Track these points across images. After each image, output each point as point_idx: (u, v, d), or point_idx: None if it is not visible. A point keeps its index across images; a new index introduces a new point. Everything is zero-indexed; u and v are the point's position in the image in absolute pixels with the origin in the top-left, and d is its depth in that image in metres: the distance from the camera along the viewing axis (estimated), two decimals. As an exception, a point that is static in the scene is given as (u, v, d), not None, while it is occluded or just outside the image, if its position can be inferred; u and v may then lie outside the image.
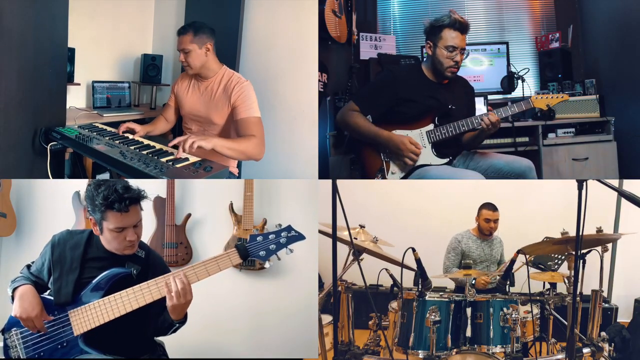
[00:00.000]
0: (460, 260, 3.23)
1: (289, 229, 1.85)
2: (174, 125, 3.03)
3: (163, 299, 1.78)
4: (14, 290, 1.81)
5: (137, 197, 1.78)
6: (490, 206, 3.20)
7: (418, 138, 2.68)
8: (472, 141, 2.79)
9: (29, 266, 1.91)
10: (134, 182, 1.85)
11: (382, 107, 2.72)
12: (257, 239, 1.82)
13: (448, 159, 2.68)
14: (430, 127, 2.68)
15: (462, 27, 2.63)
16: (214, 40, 2.66)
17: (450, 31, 2.62)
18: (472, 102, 2.92)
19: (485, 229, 3.20)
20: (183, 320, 1.84)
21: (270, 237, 1.82)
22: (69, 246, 1.84)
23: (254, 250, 1.81)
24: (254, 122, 2.56)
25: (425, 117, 2.69)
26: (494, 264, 3.23)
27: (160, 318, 1.83)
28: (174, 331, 1.88)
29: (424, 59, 2.77)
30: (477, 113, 2.89)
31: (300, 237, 1.85)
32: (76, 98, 3.39)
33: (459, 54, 2.64)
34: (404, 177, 2.70)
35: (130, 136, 2.55)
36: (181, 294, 1.72)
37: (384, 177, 2.71)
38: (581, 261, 2.47)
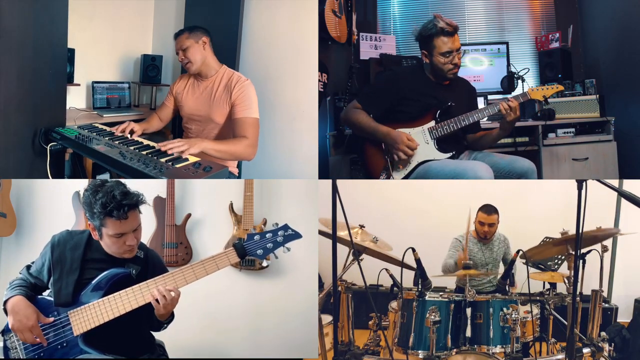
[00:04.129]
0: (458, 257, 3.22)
1: (285, 227, 1.86)
2: (174, 123, 3.03)
3: None
4: (5, 303, 1.79)
5: (135, 203, 1.77)
6: (485, 209, 3.12)
7: (420, 135, 2.70)
8: (480, 140, 2.82)
9: (28, 267, 1.90)
10: (134, 183, 1.86)
11: (384, 105, 2.76)
12: (255, 237, 1.84)
13: (451, 154, 2.71)
14: (432, 124, 2.70)
15: (451, 31, 2.64)
16: (210, 37, 2.70)
17: (442, 38, 2.63)
18: (474, 102, 2.94)
19: (480, 232, 3.15)
20: (170, 319, 1.87)
21: (267, 236, 1.84)
22: (69, 247, 1.84)
23: (251, 249, 1.82)
24: (250, 122, 2.57)
25: (426, 115, 2.72)
26: (496, 265, 3.19)
27: (151, 317, 1.83)
28: (164, 328, 1.90)
29: (424, 65, 2.79)
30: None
31: (296, 235, 1.86)
32: (76, 98, 3.39)
33: (456, 56, 2.66)
34: (409, 173, 2.72)
35: (129, 136, 2.55)
36: (169, 303, 1.73)
37: (389, 175, 2.73)
38: (581, 261, 2.47)
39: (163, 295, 1.72)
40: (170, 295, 1.73)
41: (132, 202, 1.75)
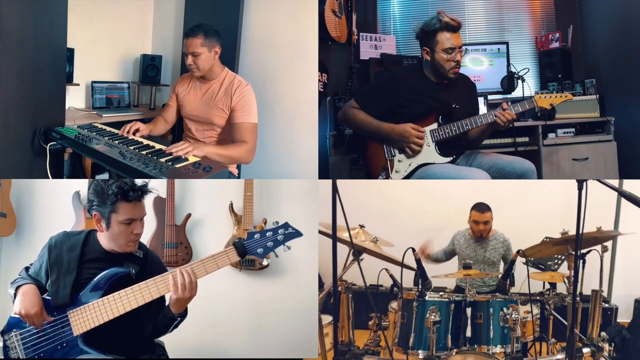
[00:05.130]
0: (449, 250, 3.24)
1: (286, 225, 1.85)
2: (174, 125, 3.03)
3: (162, 298, 1.79)
4: (17, 288, 1.81)
5: (146, 189, 1.84)
6: (478, 207, 3.10)
7: None
8: (478, 137, 2.80)
9: (27, 268, 1.90)
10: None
11: (382, 106, 2.74)
12: (255, 236, 1.83)
13: (451, 158, 2.69)
14: (434, 126, 2.69)
15: (455, 27, 2.62)
16: (220, 43, 2.68)
17: (445, 33, 2.60)
18: (475, 99, 2.93)
19: (476, 231, 3.12)
20: (184, 314, 1.85)
21: (267, 234, 1.83)
22: (65, 248, 1.84)
23: (251, 248, 1.81)
24: (248, 128, 2.60)
25: (428, 117, 2.70)
26: (490, 265, 3.14)
27: (159, 315, 1.83)
28: (175, 327, 1.88)
29: (424, 63, 2.76)
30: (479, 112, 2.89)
31: (297, 234, 1.85)
32: (75, 98, 3.39)
33: (458, 53, 2.63)
34: (408, 176, 2.71)
35: (131, 136, 2.55)
36: (187, 287, 1.74)
37: (387, 176, 2.72)
38: (581, 261, 2.47)
39: (182, 275, 1.73)
40: (189, 277, 1.73)
41: (143, 187, 1.83)
